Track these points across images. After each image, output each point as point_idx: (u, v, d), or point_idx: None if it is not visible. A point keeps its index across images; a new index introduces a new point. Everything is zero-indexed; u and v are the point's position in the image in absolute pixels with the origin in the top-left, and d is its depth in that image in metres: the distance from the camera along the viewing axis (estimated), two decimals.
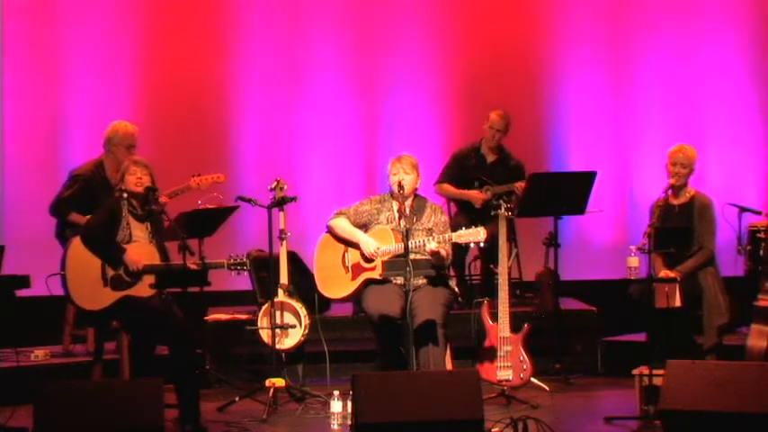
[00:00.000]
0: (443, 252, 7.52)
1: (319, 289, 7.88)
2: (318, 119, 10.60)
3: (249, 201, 8.12)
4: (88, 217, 7.75)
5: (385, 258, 7.61)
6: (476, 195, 9.28)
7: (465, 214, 9.21)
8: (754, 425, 6.32)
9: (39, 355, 8.49)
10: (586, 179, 8.85)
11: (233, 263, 7.51)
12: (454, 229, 7.69)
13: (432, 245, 7.48)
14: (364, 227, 7.79)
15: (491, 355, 7.85)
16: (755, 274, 8.28)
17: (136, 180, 7.34)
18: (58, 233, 8.34)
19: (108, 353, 7.90)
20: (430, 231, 7.67)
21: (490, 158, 9.44)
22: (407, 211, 7.71)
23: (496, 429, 6.75)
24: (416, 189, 7.81)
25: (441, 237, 7.56)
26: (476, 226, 7.53)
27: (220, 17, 10.50)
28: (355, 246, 7.73)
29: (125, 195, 7.36)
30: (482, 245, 7.56)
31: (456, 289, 7.81)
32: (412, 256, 7.35)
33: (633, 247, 7.63)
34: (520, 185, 9.12)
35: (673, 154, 8.09)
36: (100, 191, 8.25)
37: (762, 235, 8.44)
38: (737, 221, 8.79)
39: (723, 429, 6.39)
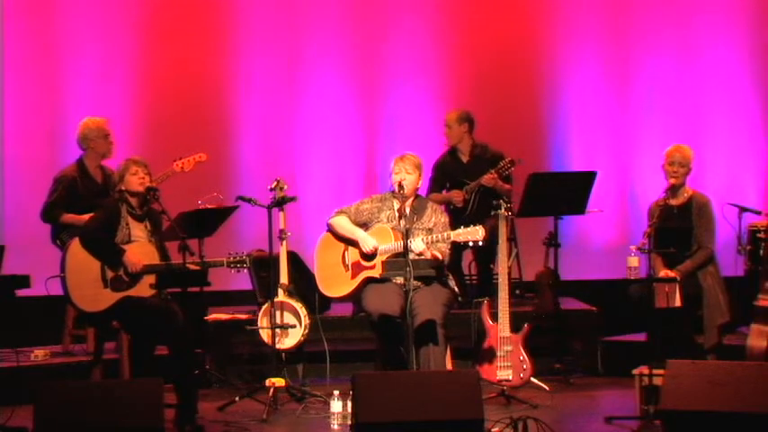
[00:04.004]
0: (430, 255, 7.50)
1: (320, 288, 7.88)
2: (318, 119, 10.60)
3: (249, 201, 8.12)
4: (85, 216, 7.77)
5: (384, 258, 7.61)
6: (455, 195, 9.28)
7: (456, 220, 9.15)
8: (754, 425, 6.32)
9: (39, 355, 8.48)
10: (586, 179, 8.86)
11: (232, 260, 7.53)
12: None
13: (417, 245, 7.45)
14: (365, 225, 7.79)
15: (491, 355, 7.85)
16: (755, 274, 8.28)
17: (139, 180, 7.36)
18: (53, 238, 8.35)
19: (108, 353, 7.91)
20: (430, 231, 7.67)
21: (465, 158, 9.43)
22: (408, 210, 7.71)
23: (496, 429, 6.74)
24: (418, 189, 7.81)
25: (438, 236, 7.56)
26: (474, 225, 7.54)
27: (220, 17, 10.49)
28: (355, 244, 7.74)
29: (125, 196, 7.37)
30: (480, 243, 7.55)
31: (456, 289, 7.80)
32: (411, 256, 7.35)
33: (633, 247, 7.62)
34: (487, 178, 9.08)
35: (670, 154, 8.10)
36: (85, 189, 8.31)
37: (762, 235, 8.43)
38: (737, 221, 8.79)
39: (723, 429, 6.38)
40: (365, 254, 7.68)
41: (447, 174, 9.41)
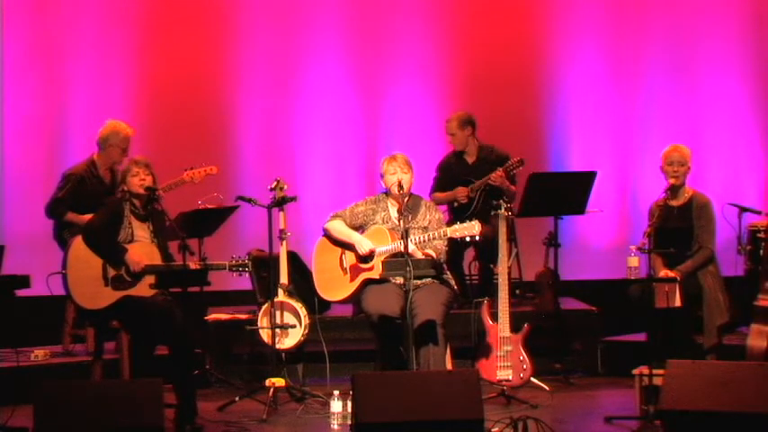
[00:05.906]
0: (421, 255, 7.48)
1: (319, 292, 7.87)
2: (318, 119, 10.61)
3: (249, 201, 8.12)
4: (88, 216, 7.77)
5: (383, 258, 7.60)
6: (459, 191, 9.26)
7: (459, 219, 9.15)
8: (754, 425, 6.32)
9: (39, 355, 8.49)
10: (586, 179, 8.86)
11: (235, 264, 7.52)
12: None
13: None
14: (360, 228, 7.79)
15: (491, 355, 7.85)
16: (755, 274, 8.27)
17: (139, 181, 7.36)
18: (55, 235, 8.36)
19: (108, 353, 7.90)
20: (425, 229, 7.66)
21: (471, 159, 9.42)
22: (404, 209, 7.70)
23: (496, 429, 6.74)
24: (411, 187, 7.81)
25: (434, 233, 7.55)
26: (470, 221, 7.52)
27: (220, 17, 10.50)
28: (351, 247, 7.73)
29: (128, 196, 7.38)
30: (477, 238, 7.53)
31: (456, 288, 7.80)
32: None
33: (633, 247, 7.62)
34: (495, 175, 9.08)
35: (669, 154, 8.10)
36: (93, 189, 8.31)
37: (762, 235, 8.43)
38: (737, 221, 8.78)
39: (723, 429, 6.38)
40: (361, 256, 7.68)
41: (452, 175, 9.38)
